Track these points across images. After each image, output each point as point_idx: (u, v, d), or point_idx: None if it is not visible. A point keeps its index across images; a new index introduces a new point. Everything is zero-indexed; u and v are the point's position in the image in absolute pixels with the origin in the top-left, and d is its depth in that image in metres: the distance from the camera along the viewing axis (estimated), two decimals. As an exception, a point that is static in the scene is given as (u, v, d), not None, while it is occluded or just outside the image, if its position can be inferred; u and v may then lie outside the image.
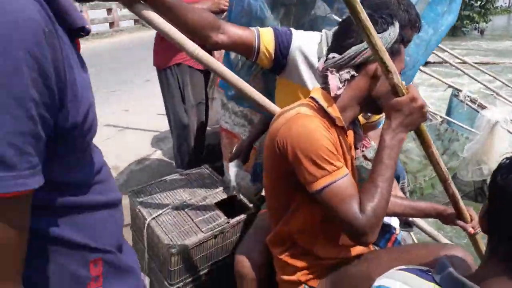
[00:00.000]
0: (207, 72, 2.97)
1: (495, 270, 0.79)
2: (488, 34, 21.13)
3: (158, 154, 3.80)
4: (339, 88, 1.22)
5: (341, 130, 1.28)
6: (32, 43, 0.48)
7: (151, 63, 2.97)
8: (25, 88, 0.48)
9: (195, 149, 3.00)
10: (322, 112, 1.24)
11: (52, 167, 0.57)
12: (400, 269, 0.92)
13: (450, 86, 4.14)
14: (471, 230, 1.47)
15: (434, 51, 5.75)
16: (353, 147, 1.41)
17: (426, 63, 11.47)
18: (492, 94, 5.38)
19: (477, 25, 20.68)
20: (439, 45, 4.82)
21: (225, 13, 2.53)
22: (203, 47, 1.45)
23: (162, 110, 3.10)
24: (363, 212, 1.11)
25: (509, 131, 3.26)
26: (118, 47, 10.92)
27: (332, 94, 1.23)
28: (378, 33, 1.16)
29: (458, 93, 3.83)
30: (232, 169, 2.32)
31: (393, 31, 1.22)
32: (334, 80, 1.21)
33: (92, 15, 13.17)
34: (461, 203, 1.43)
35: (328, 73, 1.24)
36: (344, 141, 1.29)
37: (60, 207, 0.60)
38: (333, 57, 1.24)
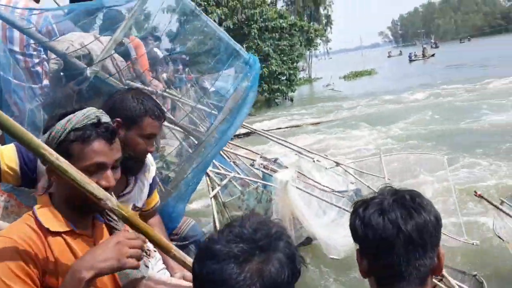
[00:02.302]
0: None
1: None
2: (297, 101, 24.85)
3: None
4: (43, 188, 1.22)
5: (70, 234, 1.20)
6: None
7: None
8: None
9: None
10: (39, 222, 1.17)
11: None
12: None
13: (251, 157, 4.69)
14: None
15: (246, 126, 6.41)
16: None
17: (244, 134, 12.78)
18: (296, 154, 6.26)
19: (286, 95, 24.15)
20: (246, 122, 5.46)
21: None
22: None
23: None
24: None
25: (297, 188, 3.83)
26: None
27: (38, 195, 1.23)
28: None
29: (253, 162, 4.35)
30: None
31: (53, 133, 1.18)
32: (41, 182, 1.22)
33: None
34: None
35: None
36: (75, 245, 1.21)
37: None
38: None
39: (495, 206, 3.88)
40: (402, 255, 0.98)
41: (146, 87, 3.54)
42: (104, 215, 1.32)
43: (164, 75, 5.12)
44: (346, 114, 17.18)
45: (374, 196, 1.06)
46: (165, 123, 3.86)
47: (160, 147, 3.66)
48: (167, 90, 4.30)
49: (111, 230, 1.35)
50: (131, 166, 1.71)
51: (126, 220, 1.27)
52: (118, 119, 1.62)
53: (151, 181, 1.94)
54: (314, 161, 5.46)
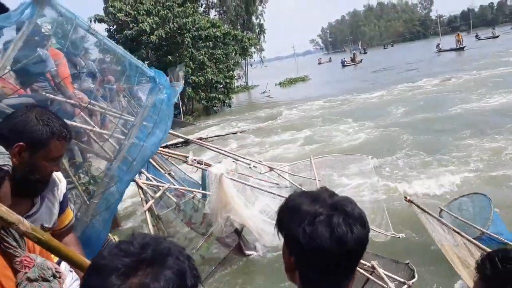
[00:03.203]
0: None
1: None
2: (236, 108, 25.07)
3: None
4: None
5: None
6: None
7: None
8: None
9: None
10: None
11: None
12: None
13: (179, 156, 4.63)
14: None
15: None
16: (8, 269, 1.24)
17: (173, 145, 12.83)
18: (233, 161, 6.30)
19: (224, 102, 24.25)
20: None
21: None
22: None
23: None
24: None
25: (232, 179, 3.86)
26: None
27: None
28: None
29: (186, 159, 4.31)
30: None
31: None
32: None
33: None
34: None
35: None
36: None
37: None
38: None
39: (424, 210, 3.91)
40: (342, 266, 1.01)
41: (68, 100, 3.39)
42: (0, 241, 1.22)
43: (91, 87, 4.92)
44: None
45: (315, 202, 1.03)
46: (94, 137, 3.72)
47: (87, 162, 3.51)
48: (93, 101, 4.14)
49: (9, 257, 1.23)
50: (34, 188, 1.62)
51: (43, 244, 1.20)
52: (21, 143, 1.52)
53: (61, 198, 1.83)
54: (250, 167, 5.53)
